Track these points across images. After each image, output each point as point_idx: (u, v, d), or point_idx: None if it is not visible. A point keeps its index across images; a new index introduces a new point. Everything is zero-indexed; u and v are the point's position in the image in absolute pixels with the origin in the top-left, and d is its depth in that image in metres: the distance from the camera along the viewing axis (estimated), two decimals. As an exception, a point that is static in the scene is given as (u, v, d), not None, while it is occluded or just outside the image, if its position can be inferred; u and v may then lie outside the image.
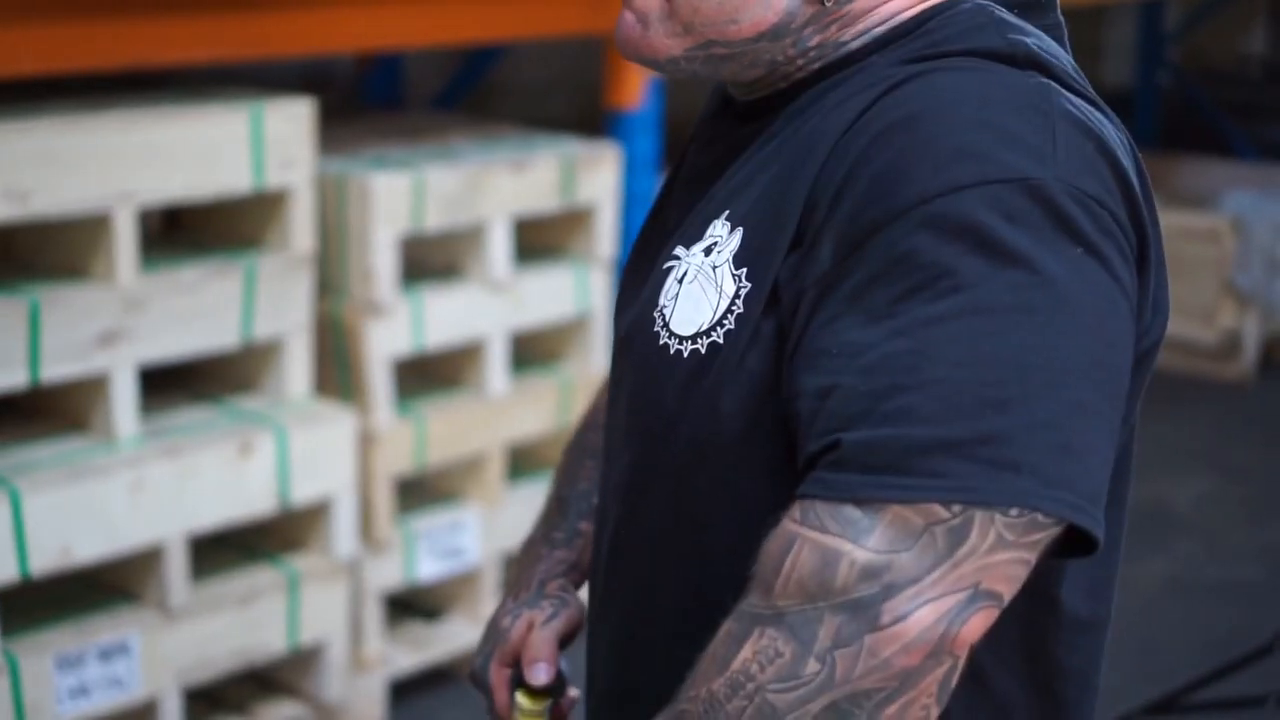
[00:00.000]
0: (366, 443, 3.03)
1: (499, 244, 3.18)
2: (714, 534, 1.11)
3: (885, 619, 0.95)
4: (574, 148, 3.35)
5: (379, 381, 3.04)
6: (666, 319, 1.11)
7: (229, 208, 2.87)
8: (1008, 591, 0.97)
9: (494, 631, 1.38)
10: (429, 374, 3.31)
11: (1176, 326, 6.03)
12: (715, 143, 1.22)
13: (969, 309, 0.96)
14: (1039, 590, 1.00)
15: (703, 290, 1.09)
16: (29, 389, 2.57)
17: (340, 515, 2.90)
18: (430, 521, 3.19)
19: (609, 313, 3.41)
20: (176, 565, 2.66)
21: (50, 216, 2.53)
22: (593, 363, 3.41)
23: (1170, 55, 6.76)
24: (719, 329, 1.08)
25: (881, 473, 0.95)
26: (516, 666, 1.35)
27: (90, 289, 2.59)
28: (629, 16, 1.15)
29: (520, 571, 1.41)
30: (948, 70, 1.06)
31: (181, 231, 3.01)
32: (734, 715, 0.99)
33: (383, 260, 3.00)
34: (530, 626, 1.34)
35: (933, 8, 1.13)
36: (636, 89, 3.42)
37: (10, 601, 2.55)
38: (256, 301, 2.79)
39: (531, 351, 3.44)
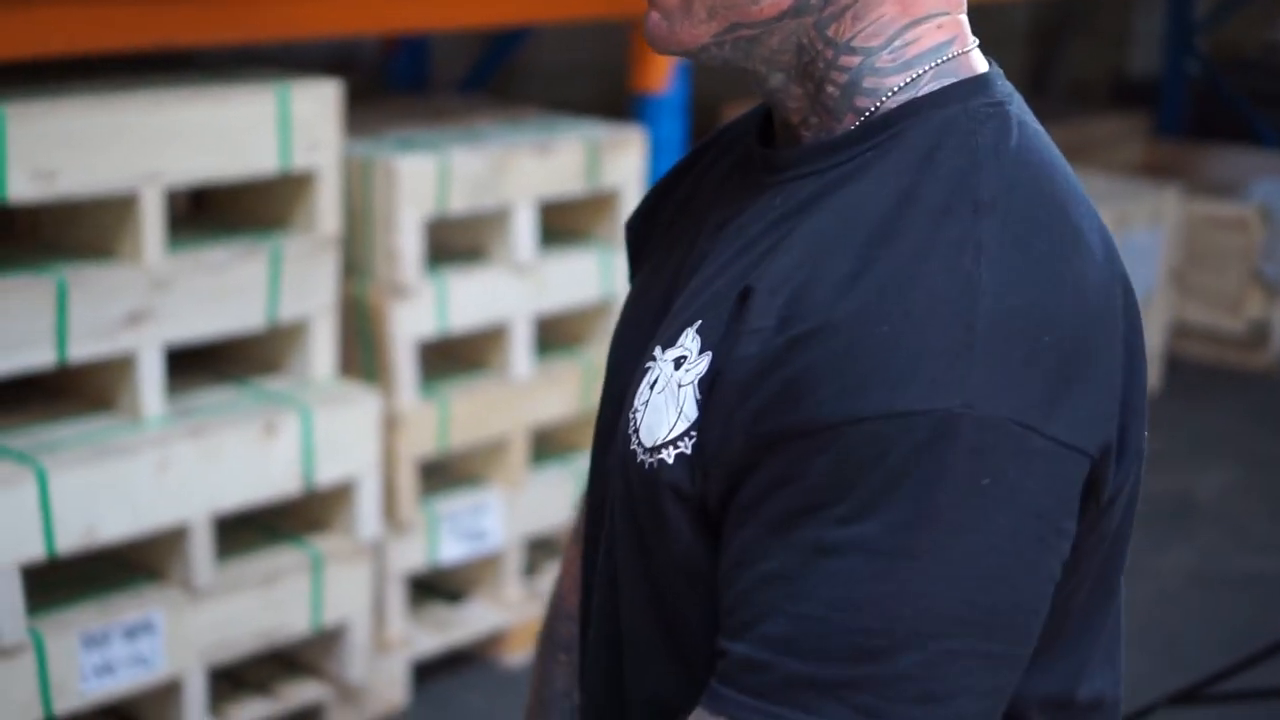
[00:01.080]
0: (390, 424, 3.03)
1: (524, 227, 3.18)
2: (687, 634, 1.12)
3: None
4: (599, 131, 3.34)
5: (403, 363, 3.05)
6: (636, 425, 1.10)
7: (255, 189, 2.88)
8: None
9: None
10: (453, 356, 3.31)
11: (1203, 315, 6.03)
12: (723, 202, 1.18)
13: (853, 545, 0.96)
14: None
15: (665, 404, 1.08)
16: (56, 368, 2.58)
17: (364, 497, 2.91)
18: (453, 504, 3.20)
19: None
20: (201, 545, 2.67)
21: (77, 196, 2.54)
22: (617, 347, 3.40)
23: (1199, 44, 6.72)
24: (671, 448, 1.07)
25: (759, 698, 0.98)
26: None
27: (117, 269, 2.60)
28: (654, 15, 1.14)
29: None
30: (939, 252, 1.00)
31: (207, 212, 3.02)
32: None
33: (408, 242, 3.00)
34: None
35: (963, 83, 1.09)
36: (662, 72, 3.42)
37: (36, 580, 2.56)
38: (282, 283, 2.80)
39: (555, 335, 3.44)
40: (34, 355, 2.50)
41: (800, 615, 0.98)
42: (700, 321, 1.09)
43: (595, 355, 3.41)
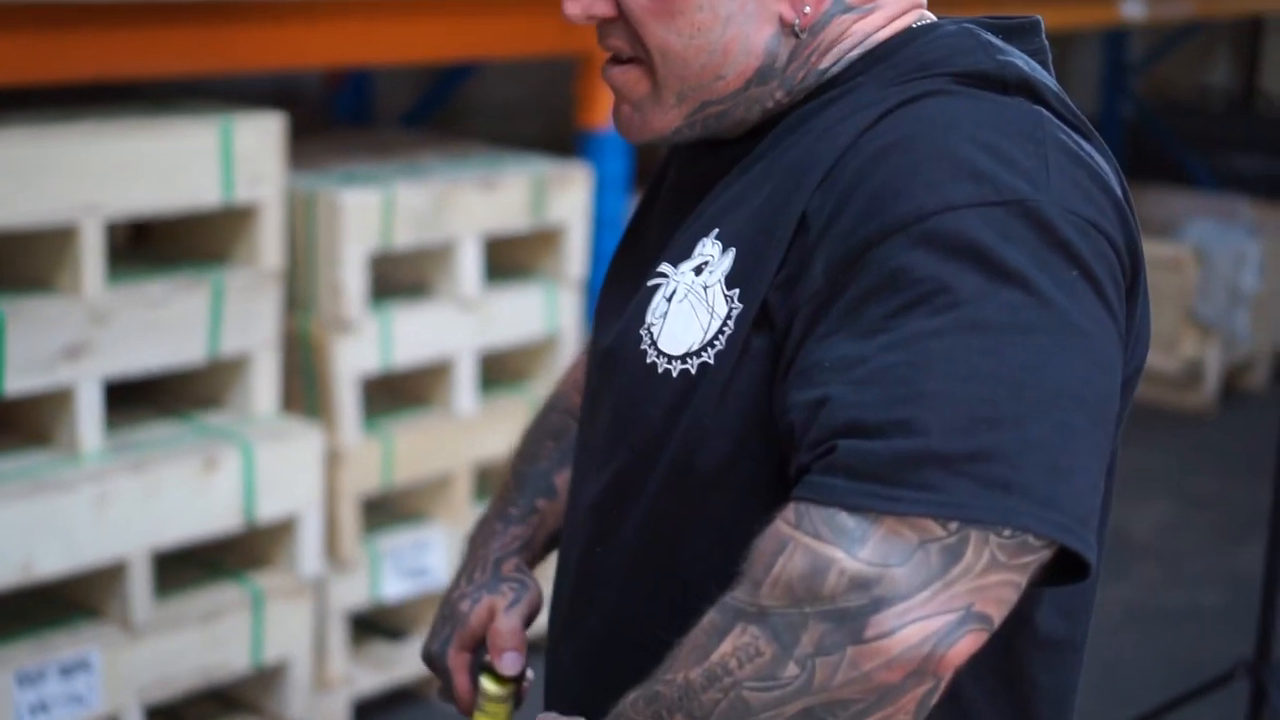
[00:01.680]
0: (333, 460, 3.01)
1: (468, 262, 3.17)
2: (691, 555, 1.11)
3: (870, 632, 0.94)
4: (544, 167, 3.34)
5: (346, 399, 3.03)
6: (654, 337, 1.11)
7: (197, 221, 2.85)
8: (997, 614, 0.97)
9: (452, 614, 1.36)
10: (397, 392, 3.29)
11: (1139, 354, 6.09)
12: (699, 161, 1.22)
13: (964, 325, 0.96)
14: (1016, 612, 1.00)
15: (693, 310, 1.09)
16: (-7, 402, 2.55)
17: (306, 533, 2.88)
18: (396, 540, 3.18)
19: (579, 332, 3.41)
20: (140, 581, 2.63)
21: (16, 228, 2.51)
22: (560, 383, 3.39)
23: (1134, 86, 6.81)
24: (710, 349, 1.07)
25: (872, 481, 0.95)
26: (477, 650, 1.35)
27: (56, 301, 2.57)
28: (625, 107, 1.17)
29: (474, 549, 1.40)
30: (941, 95, 1.06)
31: (149, 244, 2.99)
32: (708, 706, 0.99)
33: (351, 277, 2.99)
34: (492, 612, 1.34)
35: (911, 29, 1.14)
36: (607, 109, 3.42)
37: (-30, 616, 2.53)
38: (224, 317, 2.77)
39: (500, 371, 3.43)
40: (-29, 388, 2.47)
41: (915, 396, 0.95)
42: (718, 229, 1.11)
43: (540, 391, 3.40)
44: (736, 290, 1.07)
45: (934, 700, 0.98)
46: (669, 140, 1.17)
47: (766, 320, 1.06)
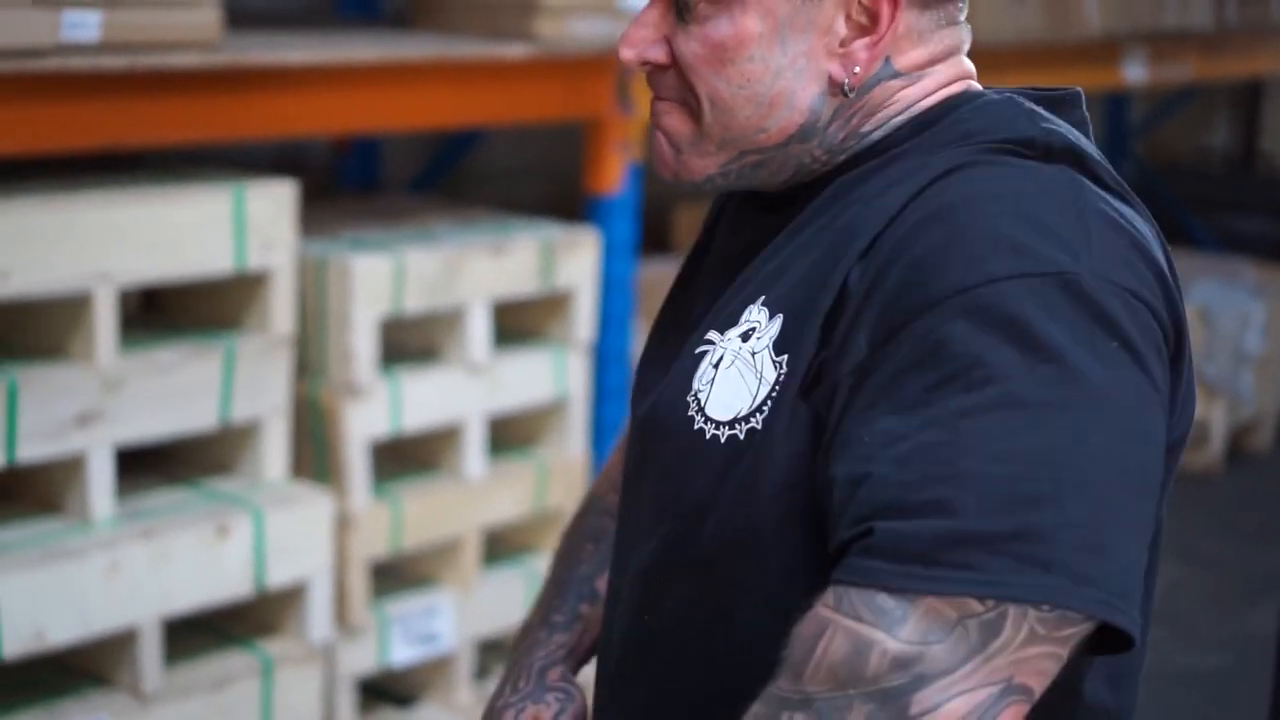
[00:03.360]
0: (343, 525, 3.01)
1: (478, 327, 3.18)
2: (741, 623, 1.10)
3: (915, 710, 0.94)
4: (553, 232, 3.36)
5: (356, 464, 3.03)
6: (702, 404, 1.11)
7: (209, 288, 2.86)
8: (1038, 686, 0.97)
9: None
10: (406, 456, 3.29)
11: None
12: (743, 230, 1.23)
13: (1003, 402, 0.96)
14: (1062, 682, 0.99)
15: (741, 376, 1.09)
16: (4, 469, 2.54)
17: (315, 599, 2.88)
18: (405, 606, 3.17)
19: (587, 397, 3.41)
20: (150, 649, 2.62)
21: (29, 296, 2.52)
22: (570, 447, 3.40)
23: (1135, 148, 6.85)
24: (758, 415, 1.08)
25: (913, 562, 0.95)
26: None
27: (68, 369, 2.57)
28: (663, 142, 1.17)
29: (518, 657, 1.39)
30: (983, 165, 1.07)
31: (160, 310, 3.00)
32: None
33: (362, 342, 2.99)
34: None
35: (957, 96, 1.15)
36: (615, 174, 3.44)
37: (-20, 685, 2.52)
38: (235, 383, 2.78)
39: (509, 435, 3.43)
40: (-17, 456, 2.47)
41: (955, 475, 0.95)
42: (764, 295, 1.12)
43: (549, 456, 3.40)
44: (785, 356, 1.08)
45: None
46: (702, 185, 1.18)
47: (812, 388, 1.06)
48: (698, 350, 1.14)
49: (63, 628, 2.51)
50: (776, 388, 1.07)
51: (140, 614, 2.60)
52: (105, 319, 2.58)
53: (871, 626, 0.96)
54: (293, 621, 2.90)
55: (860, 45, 1.12)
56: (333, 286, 3.00)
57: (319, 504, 2.86)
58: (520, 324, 3.42)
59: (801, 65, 1.12)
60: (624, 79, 3.35)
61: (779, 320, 1.10)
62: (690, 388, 1.13)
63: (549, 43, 3.24)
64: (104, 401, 2.59)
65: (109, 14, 2.54)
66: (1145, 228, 1.10)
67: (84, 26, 2.51)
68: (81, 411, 2.57)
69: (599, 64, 3.33)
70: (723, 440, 1.09)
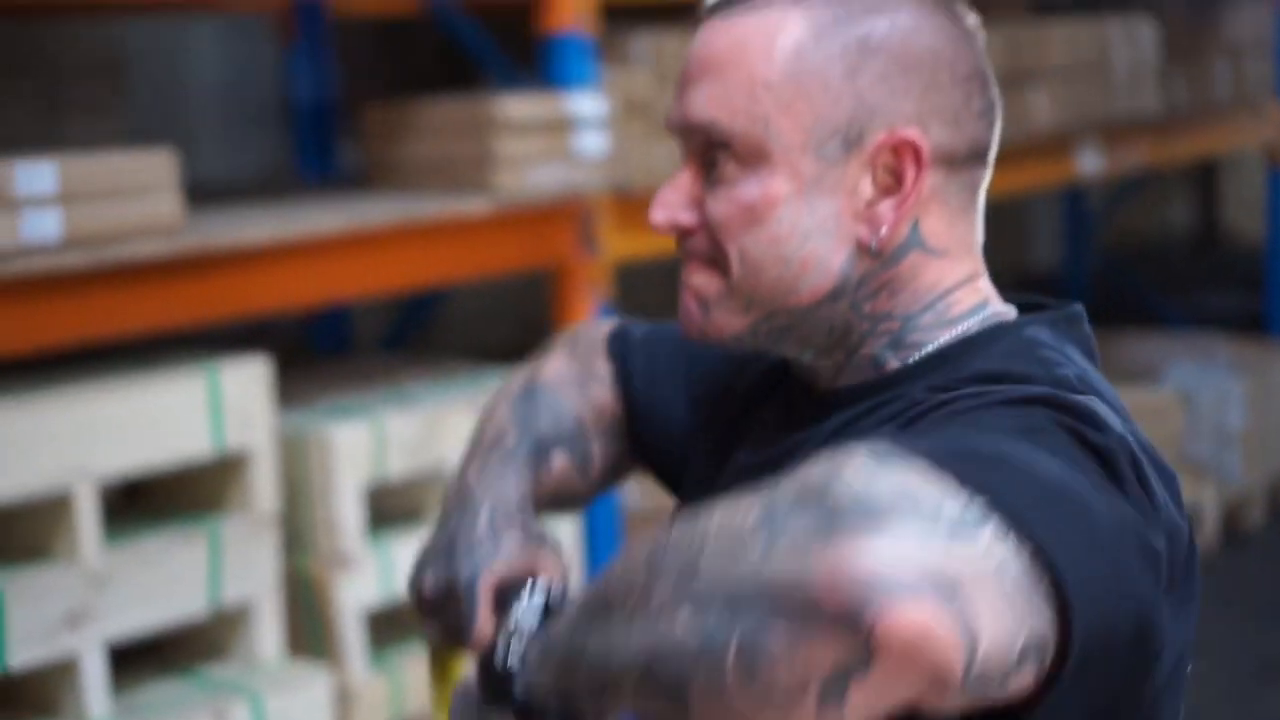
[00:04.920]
0: (343, 699, 2.96)
1: (462, 485, 3.15)
2: None
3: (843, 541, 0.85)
4: (529, 382, 3.34)
5: (351, 635, 2.98)
6: None
7: (189, 471, 2.84)
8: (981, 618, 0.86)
9: (483, 541, 1.25)
10: (401, 622, 3.25)
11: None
12: (767, 446, 1.20)
13: None
14: None
15: None
16: (-4, 678, 2.50)
17: (321, 779, 2.82)
18: (412, 775, 3.11)
19: (581, 551, 3.38)
20: None
21: (8, 500, 2.49)
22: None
23: (1097, 236, 6.90)
24: None
25: None
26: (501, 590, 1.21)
27: (53, 569, 2.54)
28: (690, 300, 1.17)
29: (472, 487, 1.32)
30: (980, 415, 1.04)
31: (142, 497, 2.97)
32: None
33: (347, 512, 2.97)
34: (539, 549, 1.26)
35: (971, 338, 1.15)
36: (582, 316, 3.44)
37: None
38: (223, 566, 2.75)
39: (502, 589, 3.38)
40: (-27, 668, 2.43)
41: None
42: None
43: (544, 606, 3.35)
44: None
45: (852, 695, 0.85)
46: (728, 345, 1.17)
47: None
48: None
49: (65, 837, 2.45)
50: None
51: (143, 814, 2.55)
52: (87, 516, 2.55)
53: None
54: (299, 804, 2.84)
55: (886, 206, 1.12)
56: (314, 459, 2.97)
57: (316, 683, 2.82)
58: (505, 476, 3.38)
59: (830, 227, 1.12)
60: (587, 222, 3.36)
61: None
62: None
63: (509, 193, 3.25)
64: (92, 599, 2.56)
65: (69, 209, 2.53)
66: (1155, 477, 1.11)
67: (44, 226, 2.50)
68: (70, 611, 2.53)
69: (560, 211, 3.34)
70: None
